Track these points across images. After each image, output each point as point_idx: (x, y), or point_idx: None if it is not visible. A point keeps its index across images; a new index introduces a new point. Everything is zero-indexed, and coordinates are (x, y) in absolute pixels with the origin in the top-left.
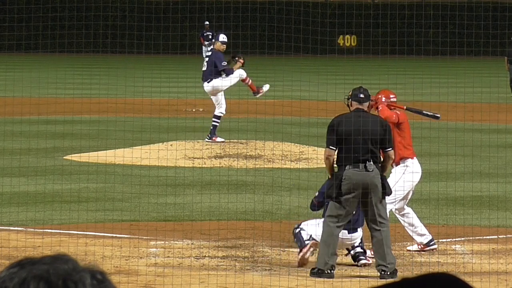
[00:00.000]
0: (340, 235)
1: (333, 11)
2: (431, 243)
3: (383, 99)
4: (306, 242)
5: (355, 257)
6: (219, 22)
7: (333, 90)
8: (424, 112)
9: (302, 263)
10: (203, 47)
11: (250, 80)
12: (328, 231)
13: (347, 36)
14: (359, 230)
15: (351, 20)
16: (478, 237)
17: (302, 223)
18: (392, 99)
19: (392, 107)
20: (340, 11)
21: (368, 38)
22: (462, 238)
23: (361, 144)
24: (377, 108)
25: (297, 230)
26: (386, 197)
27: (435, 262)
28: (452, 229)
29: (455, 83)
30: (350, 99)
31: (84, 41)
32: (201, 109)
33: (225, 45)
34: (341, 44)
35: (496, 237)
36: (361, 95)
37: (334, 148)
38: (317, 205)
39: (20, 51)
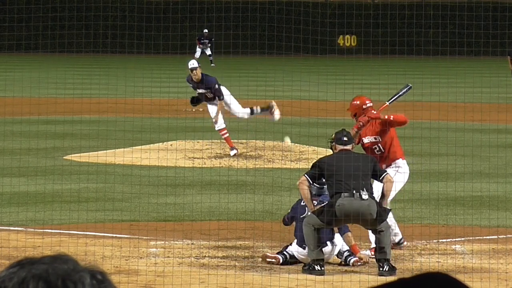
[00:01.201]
0: (296, 249)
1: (333, 11)
2: (401, 241)
3: (365, 107)
4: (284, 253)
5: (346, 260)
6: (219, 22)
7: (333, 90)
8: (400, 94)
9: (264, 258)
10: (197, 48)
11: (227, 135)
12: (307, 232)
13: (347, 36)
14: (329, 243)
15: (351, 20)
16: (478, 237)
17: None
18: (368, 105)
19: (375, 113)
20: (340, 11)
21: (368, 38)
22: (462, 238)
23: (352, 175)
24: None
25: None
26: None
27: (435, 262)
28: (452, 229)
29: (455, 83)
30: (333, 143)
31: (84, 41)
32: (201, 109)
33: (191, 71)
34: (341, 44)
35: (496, 237)
36: (345, 138)
37: (310, 181)
38: (289, 221)
39: (20, 51)
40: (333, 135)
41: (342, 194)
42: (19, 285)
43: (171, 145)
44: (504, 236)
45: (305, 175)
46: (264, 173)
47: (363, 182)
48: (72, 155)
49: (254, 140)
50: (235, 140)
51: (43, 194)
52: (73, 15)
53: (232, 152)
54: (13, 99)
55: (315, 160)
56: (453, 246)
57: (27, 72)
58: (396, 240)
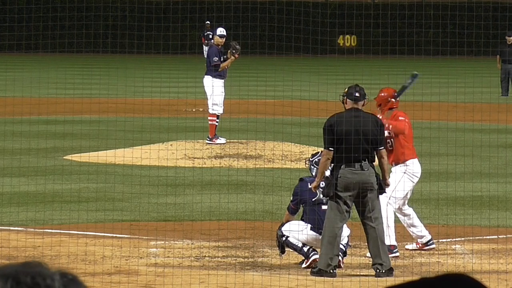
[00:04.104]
0: (312, 236)
1: (333, 11)
2: (429, 243)
3: (390, 99)
4: (304, 248)
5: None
6: (219, 22)
7: (333, 90)
8: (406, 85)
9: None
10: (204, 46)
11: (216, 123)
12: (331, 232)
13: (347, 36)
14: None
15: (351, 20)
16: (478, 237)
17: (284, 230)
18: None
19: (386, 109)
20: (340, 11)
21: (368, 38)
22: (462, 238)
23: (359, 144)
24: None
25: (284, 239)
26: (385, 197)
27: (435, 262)
28: (452, 229)
29: (455, 83)
30: (345, 97)
31: (84, 41)
32: (201, 109)
33: (222, 39)
34: (341, 44)
35: (496, 237)
36: (357, 94)
37: (333, 149)
38: (297, 206)
39: (20, 51)
40: (346, 89)
41: (342, 166)
42: None
43: (171, 145)
44: (504, 236)
45: (329, 148)
46: (264, 173)
47: (366, 151)
48: (72, 155)
49: (254, 140)
50: (235, 140)
51: (43, 194)
52: (73, 15)
53: (217, 141)
54: (13, 99)
55: (327, 120)
56: (453, 246)
57: (27, 72)
58: (424, 241)
